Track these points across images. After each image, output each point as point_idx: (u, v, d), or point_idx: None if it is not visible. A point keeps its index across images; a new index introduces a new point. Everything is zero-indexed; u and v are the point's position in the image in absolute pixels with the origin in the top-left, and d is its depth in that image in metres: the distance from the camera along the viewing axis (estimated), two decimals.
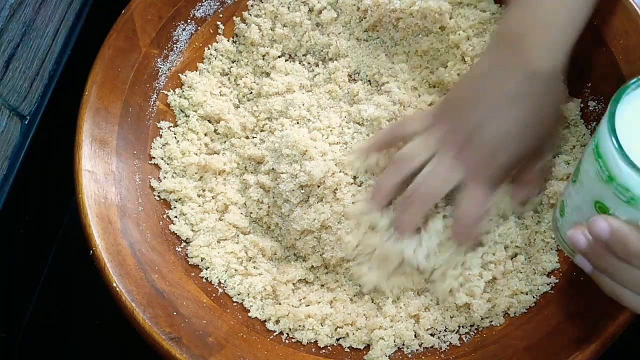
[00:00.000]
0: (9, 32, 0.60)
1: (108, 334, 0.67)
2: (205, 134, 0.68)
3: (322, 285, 0.63)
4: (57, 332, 0.68)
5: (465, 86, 0.61)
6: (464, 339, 0.58)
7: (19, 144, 0.64)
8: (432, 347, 0.58)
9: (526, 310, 0.57)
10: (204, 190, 0.66)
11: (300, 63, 0.72)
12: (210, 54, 0.72)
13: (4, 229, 0.63)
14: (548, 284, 0.58)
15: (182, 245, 0.63)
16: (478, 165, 0.57)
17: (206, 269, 0.62)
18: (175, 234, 0.63)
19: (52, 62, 0.68)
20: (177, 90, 0.70)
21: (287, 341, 0.58)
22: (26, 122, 0.65)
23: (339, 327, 0.59)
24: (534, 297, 0.57)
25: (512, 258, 0.60)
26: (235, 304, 0.61)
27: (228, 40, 0.73)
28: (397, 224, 0.59)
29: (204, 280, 0.61)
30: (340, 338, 0.59)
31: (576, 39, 0.56)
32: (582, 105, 0.64)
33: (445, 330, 0.58)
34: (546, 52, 0.56)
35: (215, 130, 0.69)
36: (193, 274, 0.61)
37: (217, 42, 0.73)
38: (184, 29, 0.71)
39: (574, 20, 0.56)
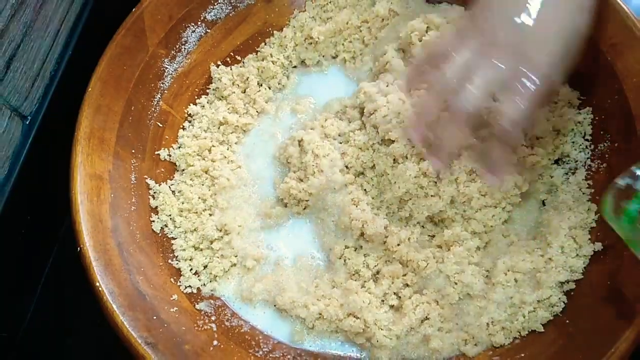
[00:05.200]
0: (10, 32, 0.61)
1: (108, 334, 0.66)
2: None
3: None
4: (57, 332, 0.67)
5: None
6: None
7: (20, 144, 0.64)
8: None
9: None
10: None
11: None
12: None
13: (5, 228, 0.63)
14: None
15: (171, 248, 0.62)
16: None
17: (194, 274, 0.60)
18: (166, 235, 0.62)
19: (53, 62, 0.68)
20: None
21: (265, 354, 0.56)
22: (27, 122, 0.65)
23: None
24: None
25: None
26: (217, 311, 0.59)
27: None
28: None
29: (189, 286, 0.60)
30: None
31: None
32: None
33: None
34: None
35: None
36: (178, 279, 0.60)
37: None
38: (193, 31, 0.70)
39: None
